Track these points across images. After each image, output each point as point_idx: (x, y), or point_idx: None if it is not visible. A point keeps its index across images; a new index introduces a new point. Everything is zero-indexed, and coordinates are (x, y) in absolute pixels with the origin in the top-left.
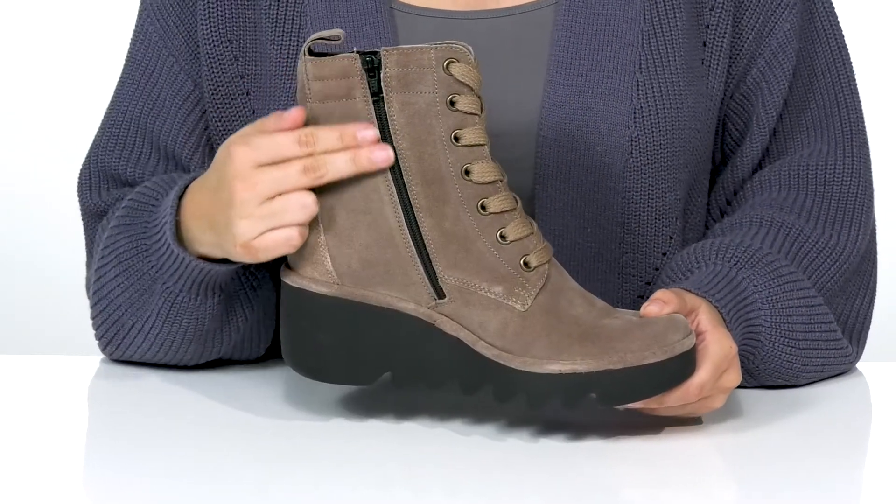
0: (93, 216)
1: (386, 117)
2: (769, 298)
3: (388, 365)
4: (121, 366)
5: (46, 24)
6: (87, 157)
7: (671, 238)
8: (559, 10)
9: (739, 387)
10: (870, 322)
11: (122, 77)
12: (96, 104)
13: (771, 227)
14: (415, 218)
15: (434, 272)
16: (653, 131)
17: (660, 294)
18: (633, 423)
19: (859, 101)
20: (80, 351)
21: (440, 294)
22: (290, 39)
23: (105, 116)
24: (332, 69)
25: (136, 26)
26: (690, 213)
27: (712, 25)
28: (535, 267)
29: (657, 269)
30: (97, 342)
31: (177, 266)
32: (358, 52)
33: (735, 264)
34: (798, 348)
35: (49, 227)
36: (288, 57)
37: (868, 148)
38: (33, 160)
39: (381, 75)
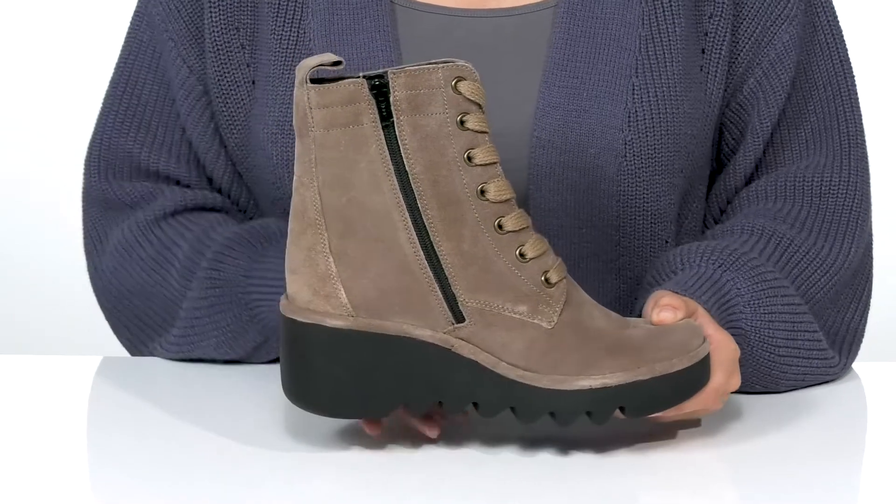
0: (94, 201)
1: (397, 141)
2: (751, 302)
3: (403, 395)
4: (121, 365)
5: (40, 23)
6: (93, 141)
7: (666, 242)
8: (558, 12)
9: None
10: (861, 335)
11: (123, 59)
12: (94, 104)
13: (762, 235)
14: (431, 242)
15: (454, 296)
16: (647, 135)
17: (668, 300)
18: (637, 431)
19: (860, 115)
20: (80, 351)
21: (459, 318)
22: (290, 30)
23: (107, 100)
24: (337, 95)
25: (138, 8)
26: (686, 218)
27: (711, 33)
28: (555, 283)
29: None
30: (119, 341)
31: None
32: (364, 76)
33: (719, 266)
34: (778, 355)
35: (49, 227)
36: (287, 48)
37: (867, 161)
38: (33, 160)
39: (391, 99)
